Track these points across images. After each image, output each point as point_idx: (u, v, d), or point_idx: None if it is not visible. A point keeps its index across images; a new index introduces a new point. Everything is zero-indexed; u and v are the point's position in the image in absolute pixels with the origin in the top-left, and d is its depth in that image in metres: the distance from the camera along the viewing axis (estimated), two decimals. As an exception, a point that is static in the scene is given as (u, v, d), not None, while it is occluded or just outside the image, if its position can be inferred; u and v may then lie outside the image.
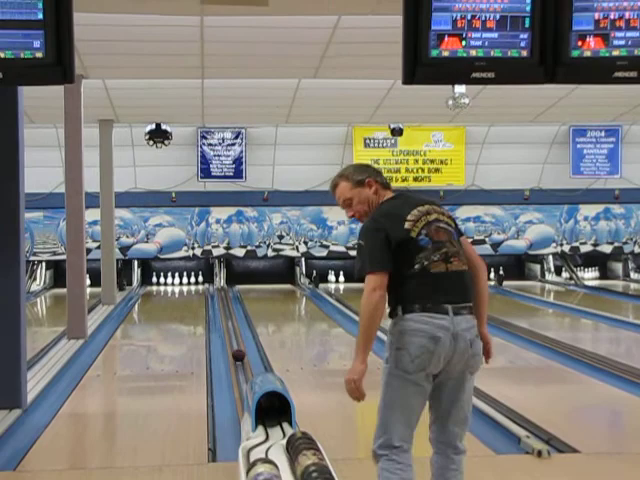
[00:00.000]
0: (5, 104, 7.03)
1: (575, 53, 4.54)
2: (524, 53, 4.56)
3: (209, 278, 19.69)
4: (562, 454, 5.84)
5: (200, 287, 19.36)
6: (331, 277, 19.75)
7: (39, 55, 4.41)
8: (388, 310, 4.08)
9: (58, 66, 4.43)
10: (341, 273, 19.78)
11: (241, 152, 18.98)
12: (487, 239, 20.05)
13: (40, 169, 16.85)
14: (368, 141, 19.16)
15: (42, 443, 6.29)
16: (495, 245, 20.11)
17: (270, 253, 19.77)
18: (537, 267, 20.56)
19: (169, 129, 17.02)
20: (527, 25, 4.57)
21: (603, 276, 20.61)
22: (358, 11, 8.04)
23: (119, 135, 16.61)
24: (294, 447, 4.78)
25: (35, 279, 19.02)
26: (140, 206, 19.19)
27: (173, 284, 19.76)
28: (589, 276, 20.54)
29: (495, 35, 4.59)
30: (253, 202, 19.49)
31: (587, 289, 18.79)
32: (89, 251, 15.01)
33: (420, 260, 4.02)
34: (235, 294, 17.57)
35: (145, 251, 19.52)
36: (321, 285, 18.78)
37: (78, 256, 11.65)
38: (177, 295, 18.64)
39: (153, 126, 16.85)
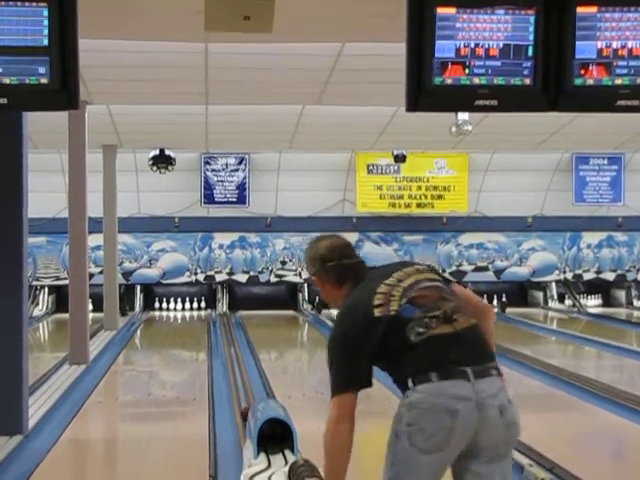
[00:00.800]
0: (10, 129, 7.05)
1: (578, 82, 4.56)
2: (527, 81, 4.58)
3: (212, 304, 19.67)
4: (565, 483, 5.81)
5: (202, 313, 19.34)
6: (334, 303, 19.69)
7: (44, 81, 4.43)
8: (397, 385, 3.49)
9: (63, 92, 4.44)
10: (344, 299, 19.73)
11: (244, 178, 19.02)
12: (490, 266, 20.04)
13: (43, 194, 16.88)
14: (371, 167, 19.20)
15: (43, 469, 6.27)
16: (498, 272, 20.09)
17: (273, 279, 19.76)
18: (540, 294, 20.53)
19: (173, 155, 17.06)
20: (530, 54, 4.58)
21: (606, 304, 20.58)
22: (362, 38, 8.07)
23: (122, 160, 16.66)
24: (296, 474, 4.76)
25: (37, 304, 19.01)
26: (143, 231, 19.21)
27: (175, 309, 19.74)
28: (592, 304, 20.50)
29: (498, 63, 4.61)
30: (256, 228, 19.51)
31: (590, 317, 18.75)
32: (92, 276, 15.01)
33: (412, 331, 3.38)
34: (237, 320, 17.56)
35: (148, 276, 19.52)
36: (324, 311, 18.75)
37: (81, 281, 11.65)
38: (179, 321, 18.62)
39: (157, 152, 16.90)
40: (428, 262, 3.34)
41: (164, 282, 19.60)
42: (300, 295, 19.75)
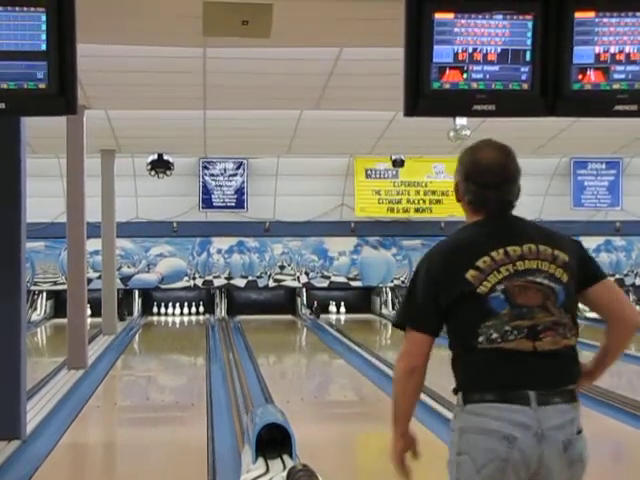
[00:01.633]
0: (8, 134, 7.05)
1: (576, 86, 4.57)
2: (525, 86, 4.59)
3: (210, 308, 19.66)
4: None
5: (201, 317, 19.33)
6: (332, 308, 19.71)
7: (42, 86, 4.43)
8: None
9: (61, 97, 4.45)
10: (342, 304, 19.75)
11: (243, 182, 19.02)
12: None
13: (42, 199, 16.87)
14: (370, 172, 19.19)
15: (42, 474, 6.26)
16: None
17: (271, 284, 19.75)
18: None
19: (171, 159, 17.06)
20: (528, 58, 4.60)
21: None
22: (360, 43, 8.07)
23: (121, 165, 16.65)
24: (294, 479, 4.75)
25: (36, 309, 18.99)
26: (141, 236, 19.20)
27: (174, 314, 19.72)
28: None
29: (496, 68, 4.62)
30: (254, 232, 19.50)
31: (588, 321, 18.73)
32: (90, 281, 14.98)
33: (486, 331, 2.87)
34: (236, 325, 17.55)
35: (146, 281, 19.50)
36: (322, 316, 18.75)
37: (79, 286, 11.64)
38: (178, 325, 18.60)
39: (155, 156, 16.89)
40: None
41: (162, 287, 19.58)
42: (298, 300, 19.74)
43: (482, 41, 4.65)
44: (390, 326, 16.01)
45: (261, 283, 19.72)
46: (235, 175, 19.02)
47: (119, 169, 16.24)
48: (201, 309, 19.80)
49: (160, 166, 16.95)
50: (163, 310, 19.76)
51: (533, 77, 4.60)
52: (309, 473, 4.77)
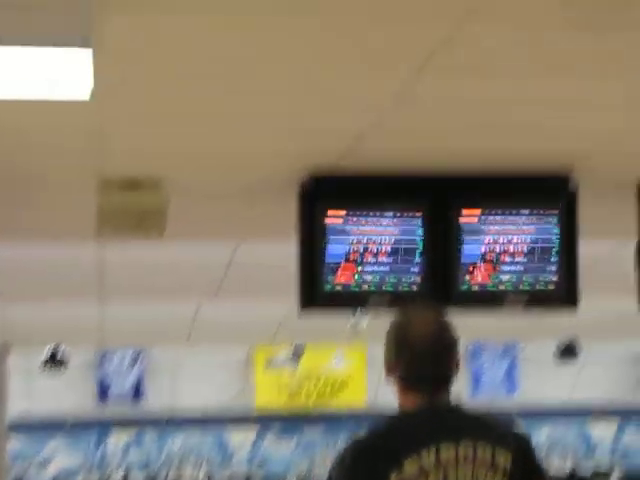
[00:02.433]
0: None
1: (464, 286, 4.68)
2: (415, 287, 4.68)
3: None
4: None
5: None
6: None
7: None
8: None
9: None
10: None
11: (141, 374, 18.69)
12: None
13: None
14: (270, 362, 19.11)
15: None
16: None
17: (171, 476, 19.16)
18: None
19: (65, 356, 16.69)
20: (418, 258, 4.71)
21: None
22: (256, 238, 8.19)
23: (14, 361, 16.21)
24: None
25: None
26: (35, 434, 18.54)
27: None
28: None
29: (387, 268, 4.72)
30: (153, 426, 19.03)
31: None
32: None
33: None
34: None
35: (39, 480, 18.73)
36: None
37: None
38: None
39: (49, 354, 16.52)
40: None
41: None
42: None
43: (373, 240, 4.77)
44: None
45: (159, 478, 19.10)
46: (133, 367, 18.70)
47: (12, 364, 15.81)
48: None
49: (54, 363, 16.56)
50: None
51: (423, 275, 4.69)
52: None
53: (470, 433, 2.63)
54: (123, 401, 18.65)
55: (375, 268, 4.63)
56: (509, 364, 19.93)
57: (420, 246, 4.65)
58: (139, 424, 18.94)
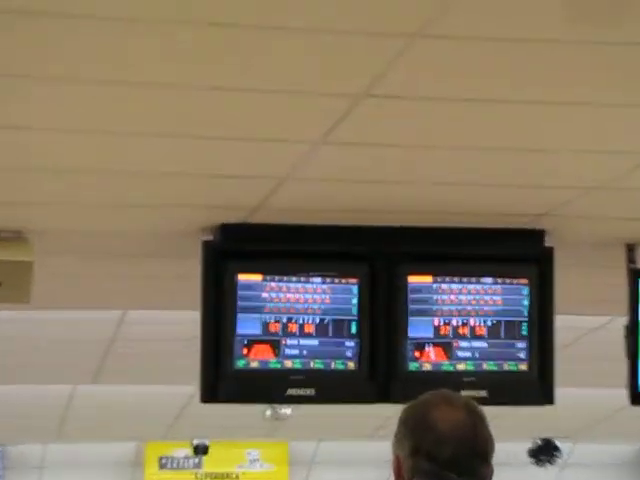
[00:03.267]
0: None
1: (413, 366, 4.68)
2: (351, 365, 4.67)
3: None
4: None
5: None
6: None
7: None
8: None
9: None
10: None
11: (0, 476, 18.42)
12: None
13: None
14: (165, 461, 18.91)
15: None
16: None
17: None
18: None
19: None
20: (354, 331, 4.70)
21: None
22: (147, 305, 8.14)
23: None
24: None
25: None
26: None
27: None
28: None
29: (315, 342, 4.70)
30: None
31: None
32: None
33: None
34: None
35: None
36: None
37: None
38: None
39: None
40: None
41: None
42: None
43: (297, 309, 4.75)
44: None
45: None
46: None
47: None
48: None
49: None
50: None
51: (361, 354, 4.69)
52: None
53: None
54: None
55: (300, 342, 4.61)
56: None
57: (356, 317, 4.63)
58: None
